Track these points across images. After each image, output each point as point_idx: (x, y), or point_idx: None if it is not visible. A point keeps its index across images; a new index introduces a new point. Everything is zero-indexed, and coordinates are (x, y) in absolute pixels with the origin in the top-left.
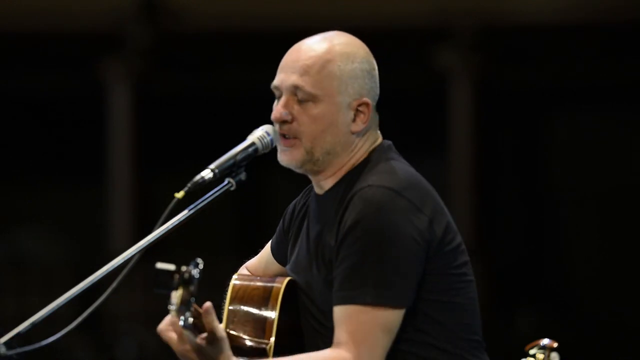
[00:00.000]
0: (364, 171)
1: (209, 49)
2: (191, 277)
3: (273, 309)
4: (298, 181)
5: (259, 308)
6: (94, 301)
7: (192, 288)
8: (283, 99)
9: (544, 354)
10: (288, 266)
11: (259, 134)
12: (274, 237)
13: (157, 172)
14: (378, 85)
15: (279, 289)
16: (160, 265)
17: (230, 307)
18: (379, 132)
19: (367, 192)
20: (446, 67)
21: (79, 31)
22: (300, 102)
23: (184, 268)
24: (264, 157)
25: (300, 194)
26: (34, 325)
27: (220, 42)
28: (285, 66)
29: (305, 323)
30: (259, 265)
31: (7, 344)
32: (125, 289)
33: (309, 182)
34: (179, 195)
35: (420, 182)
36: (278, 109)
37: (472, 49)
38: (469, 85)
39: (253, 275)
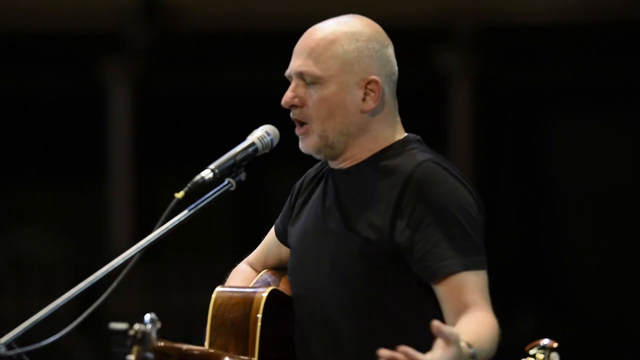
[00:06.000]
0: (404, 150)
1: (209, 49)
2: (144, 336)
3: (254, 325)
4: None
5: (240, 326)
6: (94, 301)
7: (147, 346)
8: (292, 84)
9: (544, 354)
10: (292, 232)
11: (259, 134)
12: (280, 217)
13: (157, 172)
14: (393, 64)
15: (260, 302)
16: (113, 325)
17: (212, 325)
18: (399, 118)
19: (430, 167)
20: (446, 67)
21: (79, 31)
22: (308, 85)
23: (136, 327)
24: (264, 157)
25: (312, 169)
26: (34, 325)
27: (220, 43)
28: (295, 52)
29: (299, 309)
30: (260, 256)
31: (7, 344)
32: (125, 289)
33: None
34: (179, 195)
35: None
36: (287, 94)
37: (472, 49)
38: (469, 85)
39: (236, 284)
